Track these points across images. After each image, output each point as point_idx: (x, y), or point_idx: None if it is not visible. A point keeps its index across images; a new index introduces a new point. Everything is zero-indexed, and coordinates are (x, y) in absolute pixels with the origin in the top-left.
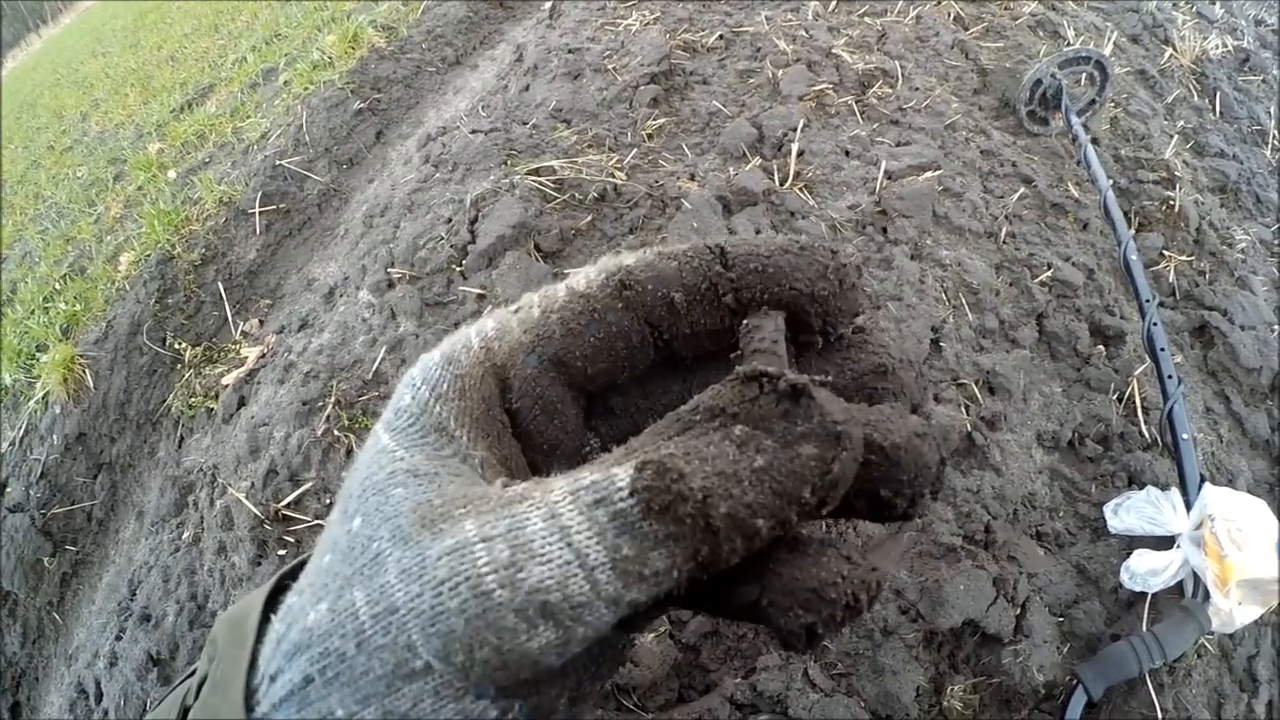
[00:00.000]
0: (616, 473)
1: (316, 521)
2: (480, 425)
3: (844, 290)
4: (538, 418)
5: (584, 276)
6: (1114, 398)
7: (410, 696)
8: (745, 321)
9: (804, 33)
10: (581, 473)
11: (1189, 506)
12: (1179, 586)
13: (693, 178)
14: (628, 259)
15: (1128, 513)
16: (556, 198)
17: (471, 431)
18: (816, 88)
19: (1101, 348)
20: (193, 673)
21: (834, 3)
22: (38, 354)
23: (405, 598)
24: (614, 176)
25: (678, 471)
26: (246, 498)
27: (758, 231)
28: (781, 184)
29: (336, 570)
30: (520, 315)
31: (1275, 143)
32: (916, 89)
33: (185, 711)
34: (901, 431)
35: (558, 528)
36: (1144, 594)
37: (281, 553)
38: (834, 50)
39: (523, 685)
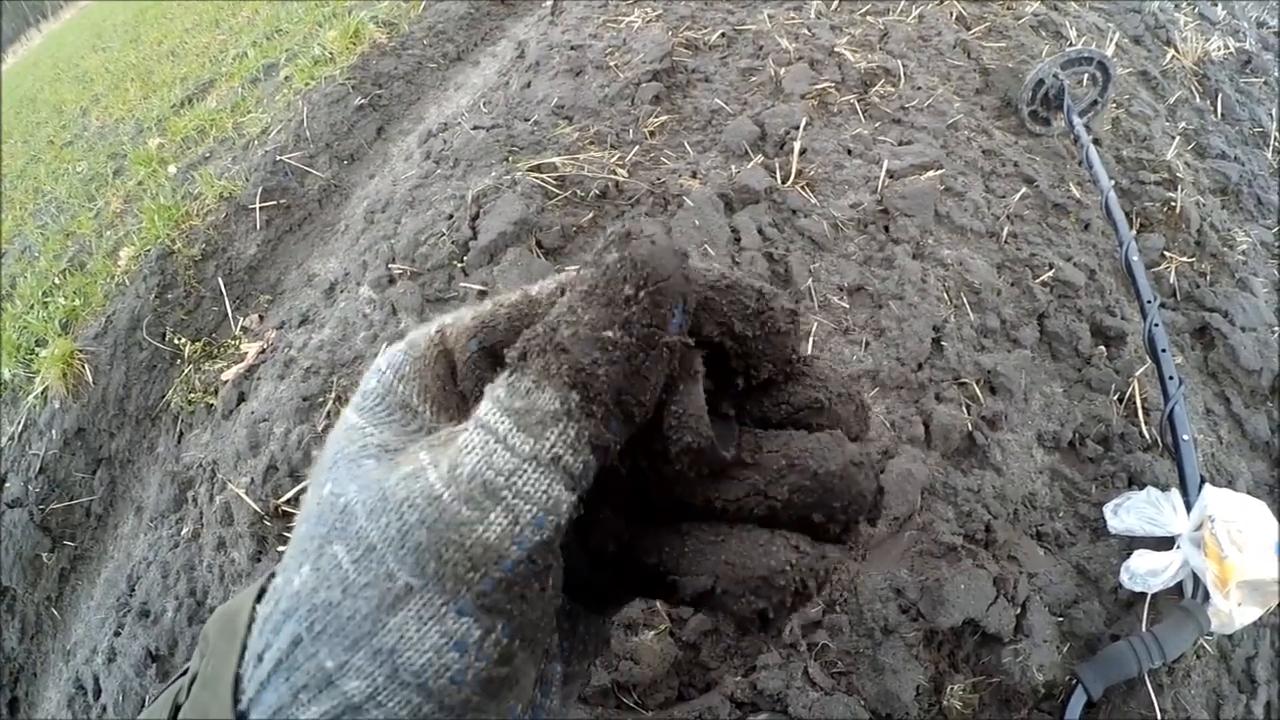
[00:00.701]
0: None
1: None
2: (439, 401)
3: (766, 335)
4: (478, 400)
5: (540, 285)
6: (1115, 398)
7: (396, 629)
8: None
9: (806, 31)
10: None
11: (1189, 507)
12: (1178, 587)
13: (694, 175)
14: (575, 272)
15: (1128, 513)
16: (558, 194)
17: (433, 406)
18: (819, 86)
19: (1102, 348)
20: (185, 670)
21: (836, 1)
22: (37, 349)
23: (377, 532)
24: (616, 174)
25: (534, 330)
26: (246, 494)
27: (759, 230)
28: (783, 182)
29: (312, 534)
30: (476, 308)
31: (1276, 145)
32: (919, 88)
33: (177, 709)
34: (837, 460)
35: (479, 424)
36: (1144, 594)
37: (281, 549)
38: (836, 49)
39: (502, 597)
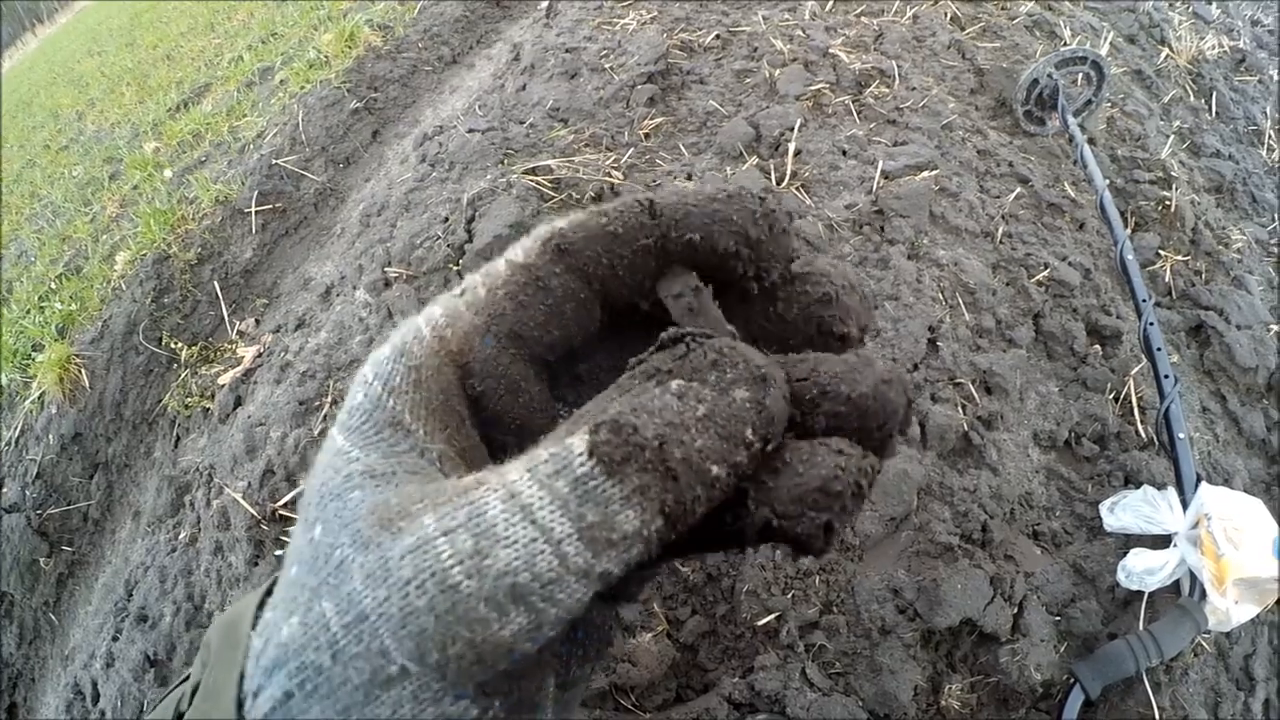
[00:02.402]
0: (571, 441)
1: None
2: (438, 416)
3: (774, 235)
4: (503, 397)
5: (521, 247)
6: (1110, 397)
7: (390, 703)
8: (659, 284)
9: (801, 32)
10: (537, 450)
11: (1185, 505)
12: (1176, 585)
13: (690, 177)
14: (560, 222)
15: (1124, 511)
16: (554, 197)
17: (428, 424)
18: (813, 87)
19: (1098, 347)
20: (187, 678)
21: (831, 2)
22: (33, 354)
23: (373, 603)
24: (611, 176)
25: (631, 426)
26: (243, 498)
27: None
28: (778, 183)
29: (303, 582)
30: (466, 298)
31: (1271, 143)
32: (913, 89)
33: (179, 717)
34: (868, 381)
35: (518, 507)
36: (1141, 593)
37: (278, 553)
38: (831, 50)
39: (501, 679)
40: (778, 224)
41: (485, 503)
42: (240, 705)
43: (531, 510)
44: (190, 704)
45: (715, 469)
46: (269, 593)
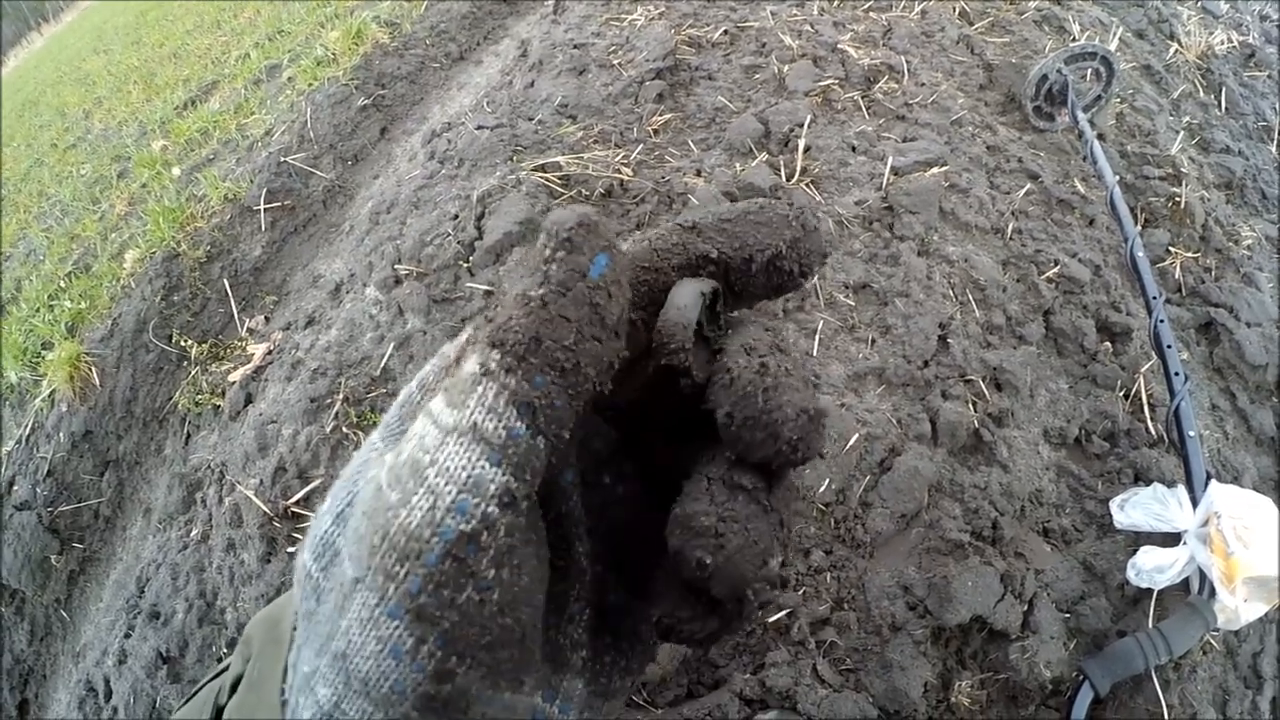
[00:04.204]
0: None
1: None
2: None
3: (809, 234)
4: None
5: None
6: (1120, 394)
7: (344, 632)
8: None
9: (809, 28)
10: None
11: (1195, 503)
12: (1185, 583)
13: (699, 173)
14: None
15: (1134, 509)
16: (563, 194)
17: None
18: (822, 83)
19: (1108, 344)
20: (223, 670)
21: None
22: (43, 352)
23: (342, 534)
24: (620, 172)
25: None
26: (255, 495)
27: None
28: (788, 180)
29: (308, 565)
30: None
31: None
32: (922, 84)
33: (219, 710)
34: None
35: (425, 411)
36: (1150, 590)
37: (290, 550)
38: (840, 45)
39: (431, 605)
40: (809, 223)
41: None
42: (284, 701)
43: (429, 408)
44: (230, 697)
45: (533, 291)
46: None
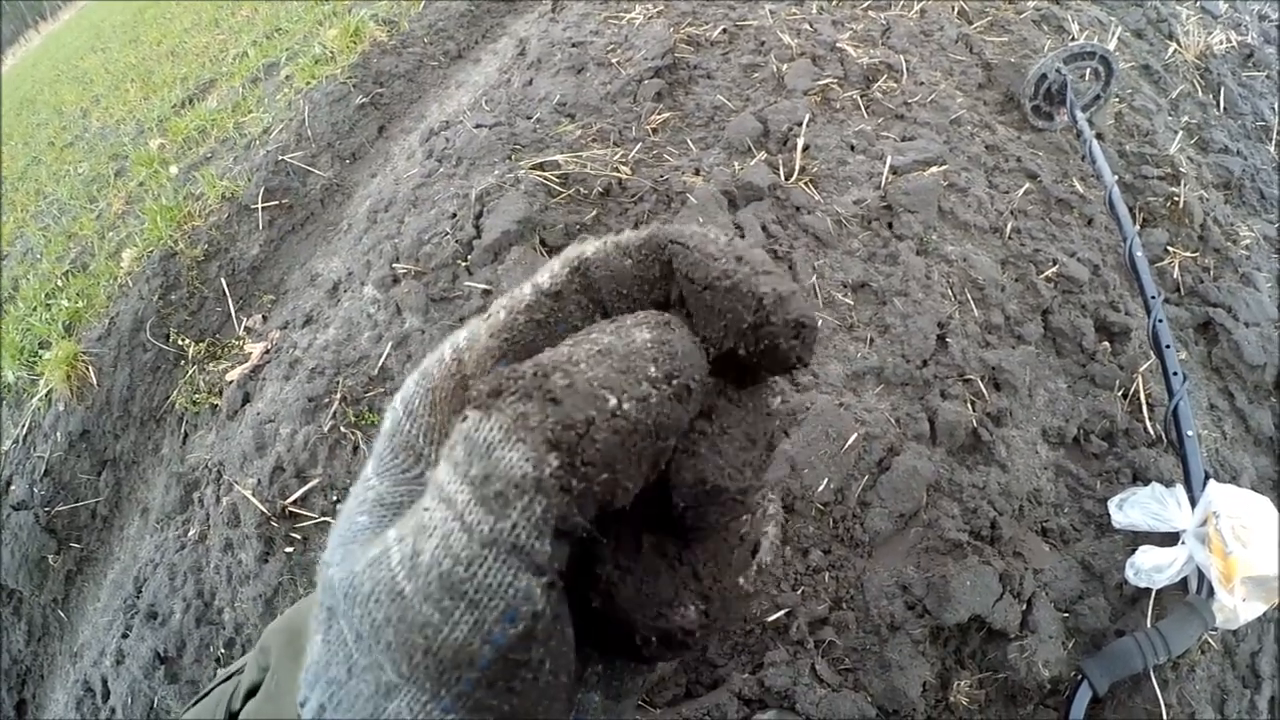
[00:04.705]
0: (468, 412)
1: (323, 518)
2: None
3: (797, 341)
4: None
5: (547, 270)
6: (1119, 394)
7: (394, 714)
8: None
9: (808, 27)
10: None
11: (1194, 503)
12: (1183, 583)
13: (697, 172)
14: (589, 246)
15: (1133, 509)
16: (561, 192)
17: (441, 448)
18: (821, 82)
19: (1106, 344)
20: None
21: None
22: (40, 351)
23: (359, 620)
24: (619, 171)
25: (512, 368)
26: (253, 494)
27: (763, 227)
28: (787, 179)
29: (323, 602)
30: (489, 321)
31: (1279, 139)
32: (921, 84)
33: (232, 716)
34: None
35: (438, 494)
36: (1148, 590)
37: (289, 550)
38: (838, 44)
39: (486, 696)
40: (808, 336)
41: (425, 502)
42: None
43: (445, 493)
44: (243, 703)
45: (612, 398)
46: None
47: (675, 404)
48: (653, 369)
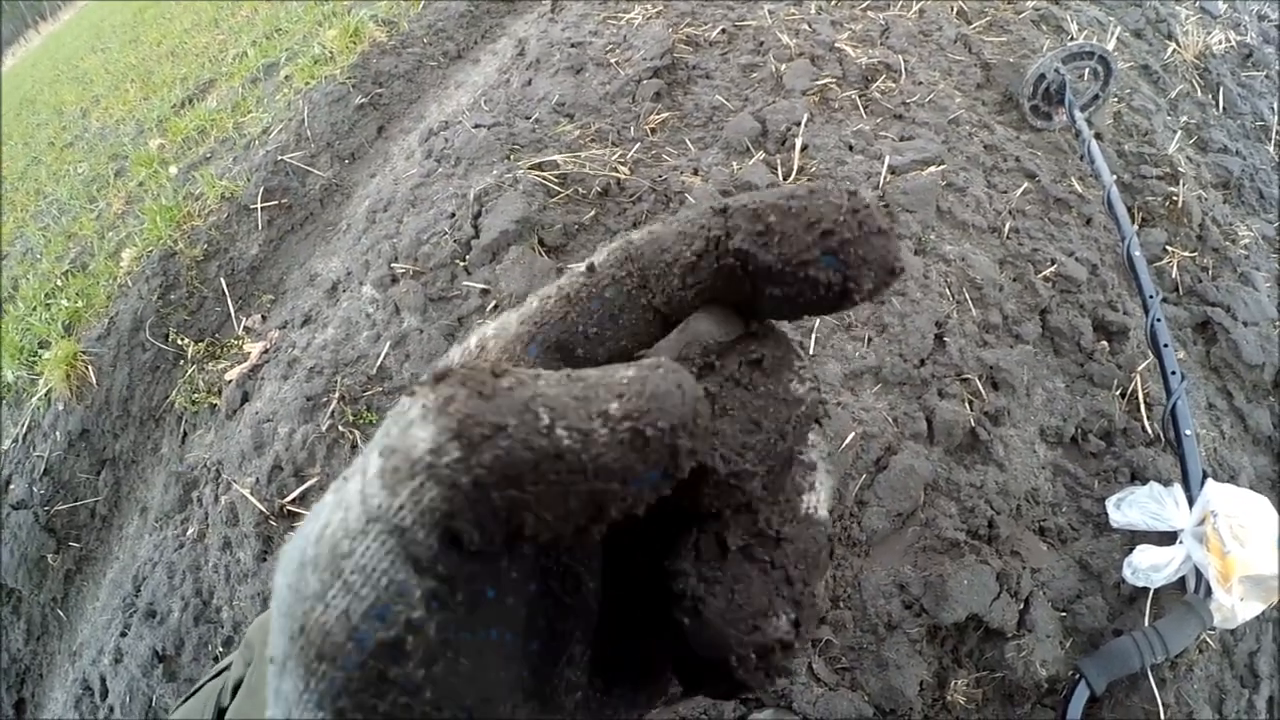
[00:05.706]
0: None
1: None
2: None
3: (865, 235)
4: None
5: (590, 259)
6: (1117, 393)
7: (284, 696)
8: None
9: (807, 27)
10: None
11: (1191, 502)
12: (1181, 582)
13: (696, 172)
14: (634, 233)
15: (1130, 508)
16: (560, 192)
17: None
18: (820, 82)
19: (1105, 343)
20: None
21: None
22: (40, 351)
23: (280, 585)
24: (617, 171)
25: (476, 364)
26: (251, 493)
27: None
28: (785, 178)
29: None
30: (520, 310)
31: (1278, 138)
32: (920, 83)
33: (221, 711)
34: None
35: (359, 464)
36: (1146, 589)
37: None
38: (837, 44)
39: (350, 709)
40: (870, 222)
41: (348, 472)
42: None
43: (365, 461)
44: (231, 698)
45: (546, 417)
46: None
47: (626, 450)
48: (613, 406)
